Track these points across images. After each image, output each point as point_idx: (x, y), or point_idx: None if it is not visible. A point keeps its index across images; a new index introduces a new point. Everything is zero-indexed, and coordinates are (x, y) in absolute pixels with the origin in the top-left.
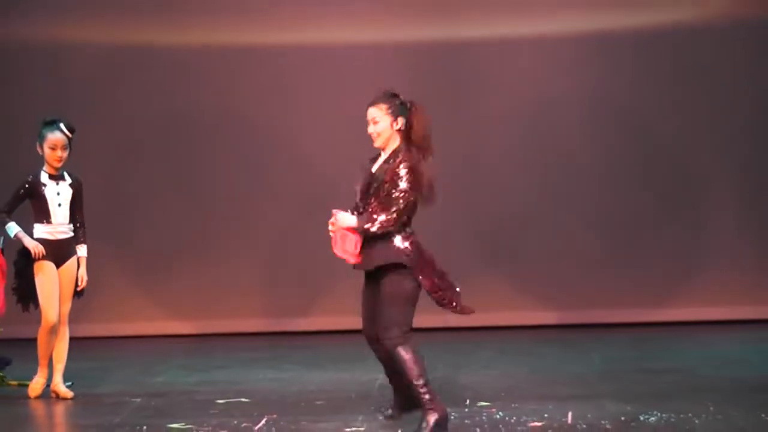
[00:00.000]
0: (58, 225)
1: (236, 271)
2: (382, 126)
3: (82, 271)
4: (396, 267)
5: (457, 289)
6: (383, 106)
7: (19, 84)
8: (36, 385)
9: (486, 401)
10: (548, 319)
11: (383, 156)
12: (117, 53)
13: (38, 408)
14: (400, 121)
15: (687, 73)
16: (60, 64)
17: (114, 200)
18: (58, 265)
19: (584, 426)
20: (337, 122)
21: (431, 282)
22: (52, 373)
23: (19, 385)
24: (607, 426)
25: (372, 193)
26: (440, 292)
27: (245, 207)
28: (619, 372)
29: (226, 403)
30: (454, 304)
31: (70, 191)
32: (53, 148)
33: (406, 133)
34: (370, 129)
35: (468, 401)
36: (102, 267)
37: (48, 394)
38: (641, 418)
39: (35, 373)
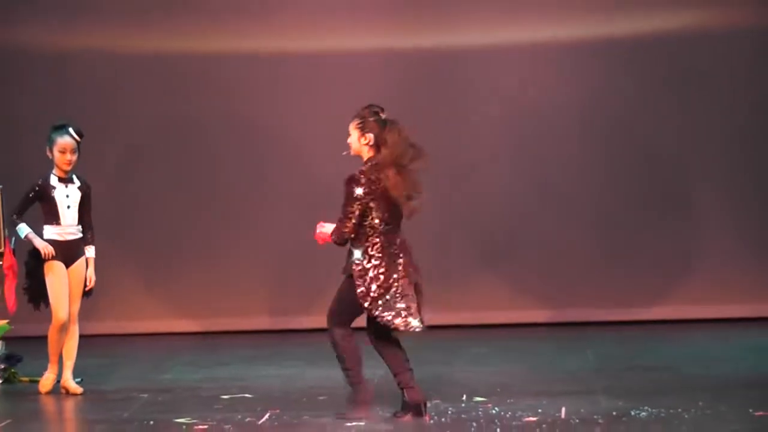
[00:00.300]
0: (67, 226)
1: (240, 271)
2: (352, 139)
3: (90, 271)
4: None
5: (402, 315)
6: (355, 121)
7: (26, 88)
8: (46, 381)
9: (482, 397)
10: (543, 317)
11: None
12: (121, 59)
13: (48, 403)
14: (368, 136)
15: (685, 78)
16: (67, 69)
17: (121, 202)
18: (67, 266)
19: (577, 421)
20: (335, 126)
21: (369, 300)
22: (62, 370)
23: (30, 381)
24: (600, 421)
25: None
26: (376, 312)
27: (248, 208)
28: (612, 369)
29: (231, 398)
30: (391, 325)
31: (78, 194)
32: (62, 152)
33: (377, 149)
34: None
35: (464, 397)
36: (110, 267)
37: (58, 390)
38: (632, 413)
39: (46, 369)
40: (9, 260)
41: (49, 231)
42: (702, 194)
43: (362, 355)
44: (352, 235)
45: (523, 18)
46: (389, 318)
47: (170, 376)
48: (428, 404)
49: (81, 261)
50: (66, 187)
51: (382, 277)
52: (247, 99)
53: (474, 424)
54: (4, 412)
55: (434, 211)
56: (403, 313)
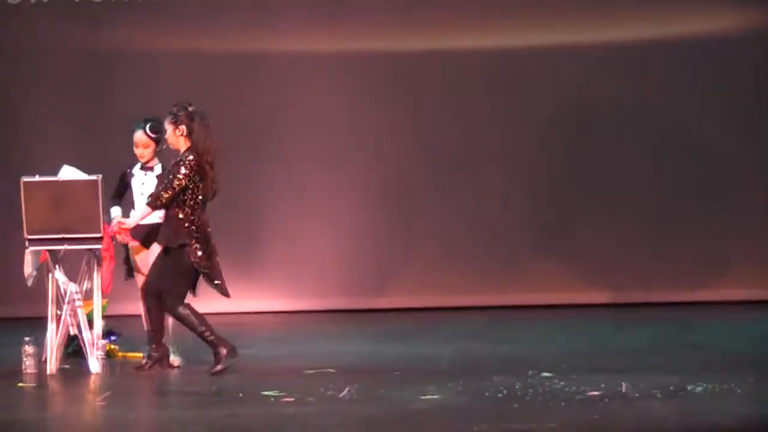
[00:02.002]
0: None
1: (321, 255)
2: (168, 134)
3: None
4: None
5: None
6: (168, 118)
7: (111, 87)
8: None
9: (547, 372)
10: (601, 298)
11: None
12: (204, 59)
13: (144, 376)
14: (181, 128)
15: (722, 77)
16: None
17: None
18: (147, 247)
19: (637, 395)
20: (405, 122)
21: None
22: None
23: (128, 356)
24: (658, 395)
25: None
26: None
27: (327, 196)
28: (665, 347)
29: (314, 373)
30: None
31: (155, 182)
32: (135, 146)
33: (190, 138)
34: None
35: (531, 372)
36: None
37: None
38: (688, 388)
39: (141, 344)
40: (107, 243)
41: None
42: (747, 184)
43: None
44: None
45: (565, 21)
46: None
47: (255, 352)
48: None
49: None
50: (145, 175)
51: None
52: (322, 96)
53: (540, 398)
54: (104, 385)
55: (499, 200)
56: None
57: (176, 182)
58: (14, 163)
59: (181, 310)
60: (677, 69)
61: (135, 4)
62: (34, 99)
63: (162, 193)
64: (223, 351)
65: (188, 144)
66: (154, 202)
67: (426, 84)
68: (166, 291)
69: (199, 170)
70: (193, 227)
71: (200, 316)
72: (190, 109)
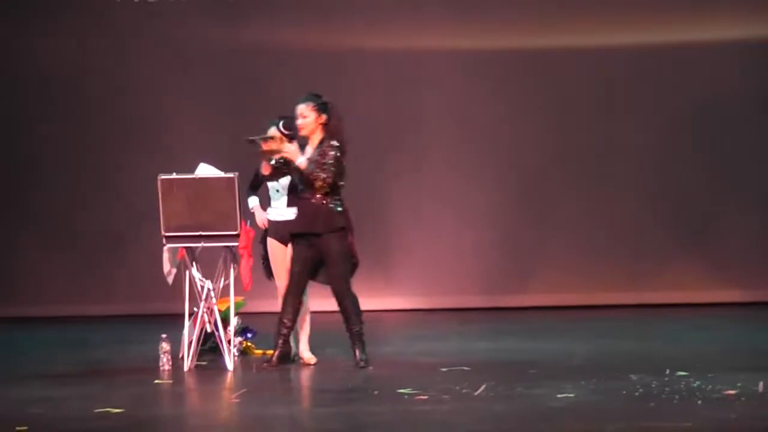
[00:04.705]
0: (276, 209)
1: (456, 253)
2: (308, 120)
3: None
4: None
5: None
6: (310, 105)
7: (258, 84)
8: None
9: (683, 371)
10: (738, 297)
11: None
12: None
13: (281, 373)
14: (323, 116)
15: None
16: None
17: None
18: (285, 244)
19: None
20: (534, 119)
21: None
22: (297, 342)
23: (264, 353)
24: None
25: None
26: None
27: (455, 194)
28: None
29: (449, 371)
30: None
31: (289, 179)
32: None
33: (325, 127)
34: (300, 121)
35: (668, 371)
36: None
37: (295, 361)
38: None
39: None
40: (244, 241)
41: (268, 211)
42: None
43: None
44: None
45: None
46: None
47: (391, 350)
48: None
49: None
50: None
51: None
52: (451, 93)
53: (676, 397)
54: (240, 382)
55: (632, 198)
56: None
57: (335, 167)
58: (156, 160)
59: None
60: None
61: (269, 1)
62: (175, 98)
63: (324, 176)
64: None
65: (323, 133)
66: (323, 186)
67: (558, 81)
68: (342, 275)
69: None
70: (345, 211)
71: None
72: (326, 100)
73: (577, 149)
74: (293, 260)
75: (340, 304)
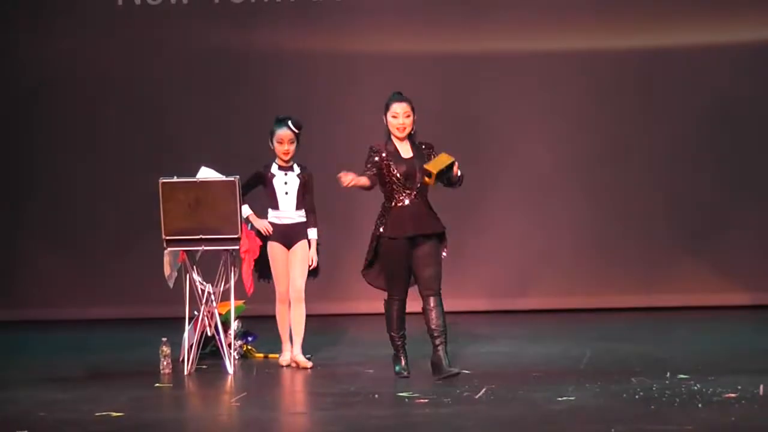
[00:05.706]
0: (285, 211)
1: (463, 255)
2: (411, 119)
3: (312, 252)
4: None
5: None
6: (410, 105)
7: (265, 87)
8: (282, 360)
9: (684, 374)
10: (743, 300)
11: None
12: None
13: (280, 377)
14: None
15: None
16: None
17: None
18: (288, 247)
19: None
20: (551, 121)
21: None
22: (291, 345)
23: (265, 357)
24: None
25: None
26: None
27: (482, 200)
28: None
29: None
30: None
31: (297, 181)
32: (281, 143)
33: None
34: (402, 120)
35: (668, 374)
36: (337, 250)
37: (289, 365)
38: None
39: (278, 345)
40: (246, 244)
41: (270, 214)
42: None
43: None
44: None
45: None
46: None
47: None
48: None
49: (303, 242)
50: (285, 174)
51: None
52: (462, 96)
53: (677, 400)
54: (240, 386)
55: (641, 200)
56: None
57: None
58: (155, 163)
59: None
60: None
61: (277, 4)
62: (177, 100)
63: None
64: None
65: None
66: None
67: (570, 84)
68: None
69: None
70: None
71: None
72: None
73: (589, 152)
74: (402, 266)
75: (437, 307)
